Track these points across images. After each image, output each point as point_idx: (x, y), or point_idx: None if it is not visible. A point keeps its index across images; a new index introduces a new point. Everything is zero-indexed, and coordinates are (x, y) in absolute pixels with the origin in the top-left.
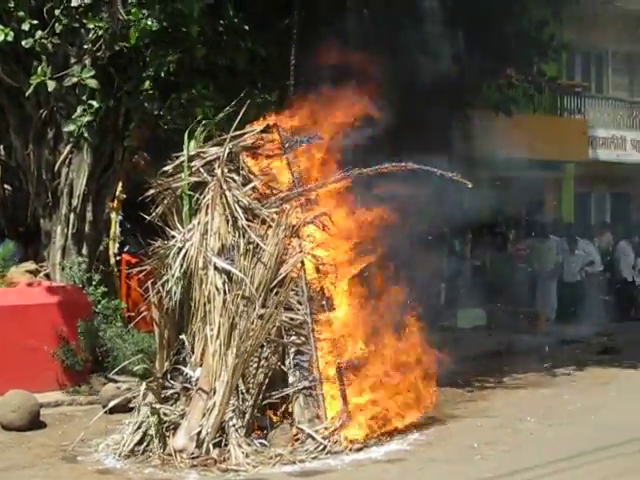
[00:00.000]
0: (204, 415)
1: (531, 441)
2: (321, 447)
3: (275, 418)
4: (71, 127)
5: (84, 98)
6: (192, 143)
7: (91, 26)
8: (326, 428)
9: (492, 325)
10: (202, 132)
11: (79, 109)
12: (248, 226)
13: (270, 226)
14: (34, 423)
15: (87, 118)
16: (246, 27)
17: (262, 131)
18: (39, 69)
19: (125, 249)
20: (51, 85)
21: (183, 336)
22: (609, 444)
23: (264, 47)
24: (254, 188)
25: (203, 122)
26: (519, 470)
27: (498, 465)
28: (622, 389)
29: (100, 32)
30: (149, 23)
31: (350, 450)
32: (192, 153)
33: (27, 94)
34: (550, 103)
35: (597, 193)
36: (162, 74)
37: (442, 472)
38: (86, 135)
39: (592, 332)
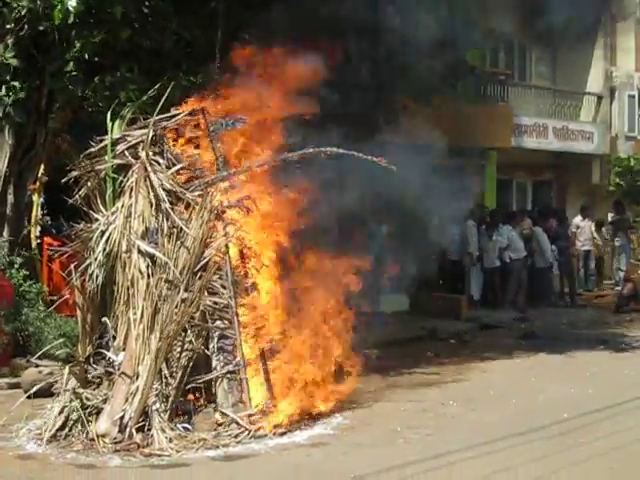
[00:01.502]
0: (127, 399)
1: (454, 425)
2: (245, 432)
3: (199, 402)
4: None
5: (7, 78)
6: (116, 125)
7: (14, 5)
8: (250, 413)
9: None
10: (126, 114)
11: (3, 88)
12: (172, 209)
13: (194, 209)
14: None
15: (12, 98)
16: (171, 9)
17: (187, 114)
18: None
19: (47, 232)
20: None
21: (106, 320)
22: (530, 428)
23: (189, 30)
24: (178, 171)
25: (127, 104)
26: (442, 453)
27: (422, 449)
28: (542, 373)
29: (23, 11)
30: (73, 3)
31: (274, 434)
32: (117, 136)
33: None
34: (473, 90)
35: (518, 180)
36: (86, 55)
37: (366, 456)
38: (13, 114)
39: (513, 317)
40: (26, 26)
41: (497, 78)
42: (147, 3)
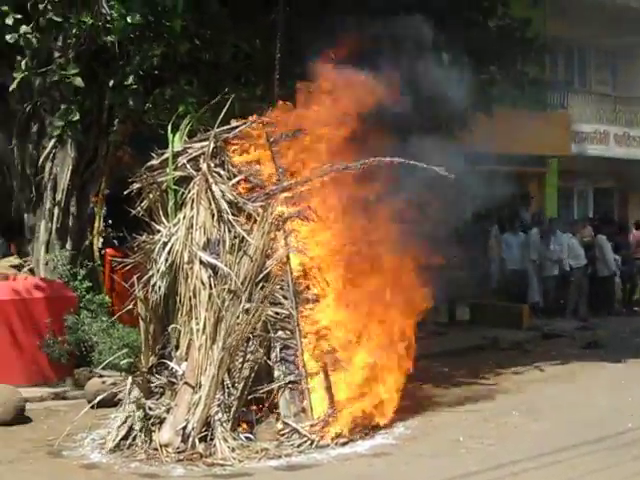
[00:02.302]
0: (190, 409)
1: (516, 435)
2: (307, 441)
3: (261, 412)
4: (57, 129)
5: (68, 94)
6: (177, 138)
7: (75, 21)
8: (312, 423)
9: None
10: (186, 126)
11: (62, 108)
12: (234, 220)
13: (255, 220)
14: (20, 418)
15: (73, 117)
16: (230, 22)
17: (247, 126)
18: (23, 64)
19: (109, 244)
20: (35, 81)
21: (169, 330)
22: (593, 439)
23: (248, 42)
24: (239, 182)
25: (187, 117)
26: (505, 464)
27: (484, 459)
28: (606, 383)
29: (84, 27)
30: (132, 17)
31: (336, 444)
32: (178, 149)
33: (11, 89)
34: (533, 98)
35: (580, 188)
36: (146, 69)
37: (428, 466)
38: (71, 134)
39: (575, 326)
40: (87, 41)
41: (557, 85)
42: (206, 16)
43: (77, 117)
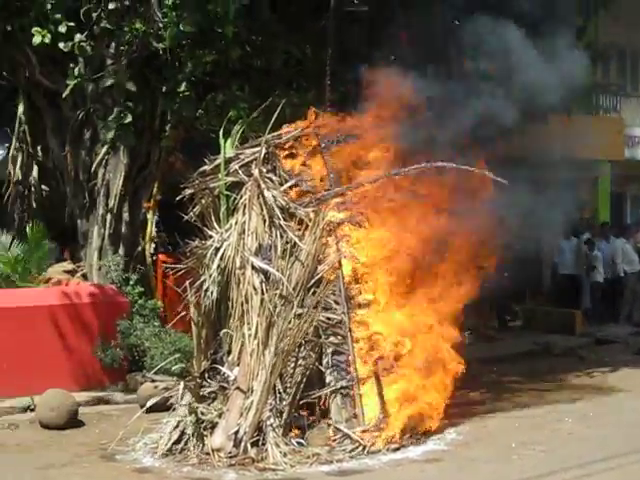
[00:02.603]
0: (242, 414)
1: (569, 441)
2: (358, 447)
3: (312, 418)
4: (110, 134)
5: (121, 100)
6: (228, 143)
7: (127, 28)
8: (363, 429)
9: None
10: (238, 132)
11: (115, 110)
12: (285, 225)
13: (307, 226)
14: (73, 422)
15: (125, 120)
16: (282, 28)
17: (299, 132)
18: (76, 71)
19: (161, 249)
20: (88, 88)
21: (221, 335)
22: None
23: (299, 48)
24: (290, 188)
25: (238, 122)
26: (557, 470)
27: (536, 465)
28: None
29: (136, 34)
30: (184, 25)
31: (387, 450)
32: (230, 155)
33: (64, 96)
34: (586, 102)
35: (633, 193)
36: (198, 75)
37: (480, 472)
38: (123, 137)
39: (628, 332)
40: (139, 48)
41: (609, 89)
42: (257, 22)
43: (130, 119)
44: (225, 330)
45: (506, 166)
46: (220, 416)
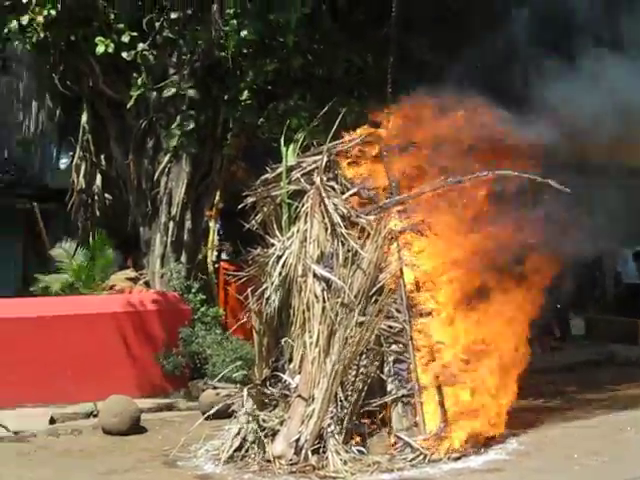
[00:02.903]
0: (303, 422)
1: (632, 451)
2: (419, 455)
3: (373, 426)
4: (173, 141)
5: (183, 108)
6: (290, 151)
7: (189, 37)
8: (424, 437)
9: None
10: (299, 140)
11: (178, 119)
12: (347, 234)
13: (369, 234)
14: (135, 428)
15: (188, 127)
16: (343, 36)
17: (360, 140)
18: (139, 80)
19: (223, 257)
20: (151, 97)
21: (282, 343)
22: None
23: (360, 56)
24: (352, 196)
25: (300, 131)
26: None
27: (597, 475)
28: None
29: (198, 43)
30: (246, 33)
31: (448, 459)
32: (292, 163)
33: (128, 106)
34: None
35: None
36: (259, 84)
37: None
38: (184, 144)
39: None
40: (201, 57)
41: None
42: (318, 31)
43: (192, 126)
44: (286, 338)
45: (568, 172)
46: (281, 423)
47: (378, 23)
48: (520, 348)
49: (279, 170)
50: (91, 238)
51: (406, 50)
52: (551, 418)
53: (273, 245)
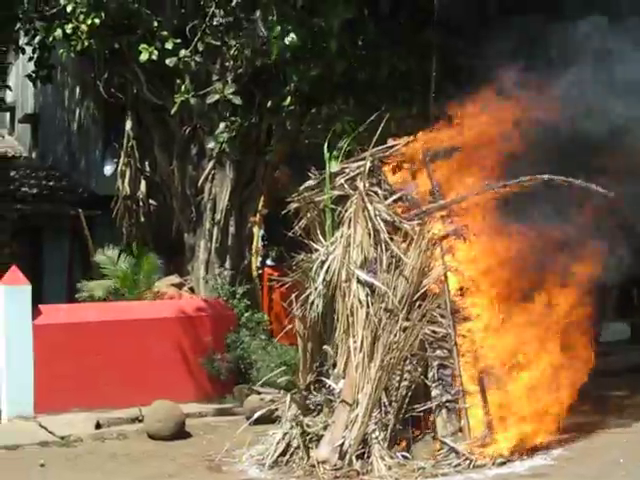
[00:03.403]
0: (347, 427)
1: None
2: (464, 461)
3: (417, 431)
4: (212, 144)
5: (226, 114)
6: (333, 157)
7: (232, 43)
8: (469, 443)
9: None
10: (344, 146)
11: (221, 125)
12: (390, 239)
13: (412, 239)
14: (179, 433)
15: (230, 134)
16: (386, 41)
17: (404, 145)
18: (183, 87)
19: (267, 263)
20: (195, 103)
21: (326, 348)
22: None
23: (403, 60)
24: (396, 201)
25: (343, 136)
26: None
27: None
28: None
29: (242, 49)
30: (289, 39)
31: (494, 464)
32: (335, 170)
33: (172, 113)
34: None
35: None
36: (302, 89)
37: None
38: (227, 150)
39: None
40: (244, 63)
41: None
42: (361, 36)
43: (236, 132)
44: (330, 344)
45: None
46: (325, 428)
47: (421, 28)
48: (567, 353)
49: (323, 176)
50: (135, 244)
51: (449, 55)
52: (597, 423)
53: (317, 250)
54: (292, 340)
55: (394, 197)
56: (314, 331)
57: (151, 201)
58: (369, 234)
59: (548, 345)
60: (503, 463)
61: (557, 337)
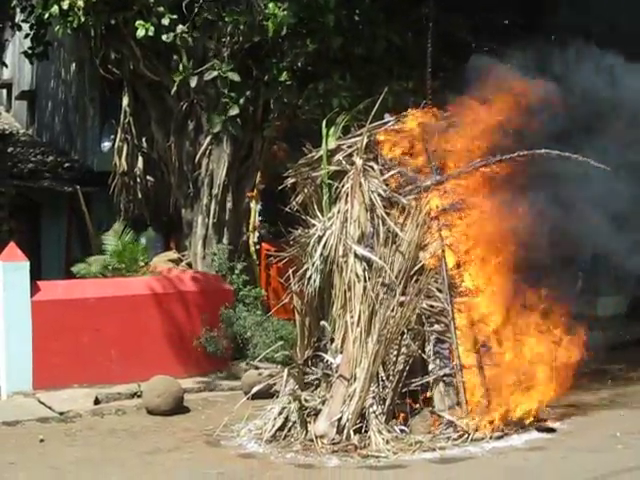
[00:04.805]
0: (345, 401)
1: None
2: (461, 434)
3: (415, 405)
4: (217, 125)
5: (225, 91)
6: (331, 133)
7: (229, 19)
8: (467, 416)
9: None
10: (341, 122)
11: (221, 103)
12: (387, 214)
13: (409, 214)
14: (178, 408)
15: (233, 112)
16: (382, 15)
17: (400, 119)
18: (180, 66)
19: (264, 238)
20: (193, 81)
21: (324, 323)
22: None
23: (399, 35)
24: (393, 176)
25: (341, 111)
26: None
27: None
28: None
29: (238, 25)
30: (286, 14)
31: (491, 438)
32: (332, 147)
33: (172, 93)
34: None
35: None
36: (299, 65)
37: (584, 461)
38: (231, 128)
39: None
40: (241, 39)
41: None
42: (357, 11)
43: (237, 111)
44: (327, 320)
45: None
46: (323, 403)
47: (418, 2)
48: (561, 326)
49: (320, 153)
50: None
51: (446, 30)
52: (594, 397)
53: (314, 226)
54: (289, 315)
55: (391, 173)
56: (311, 306)
57: (148, 177)
58: (366, 209)
59: (544, 318)
60: (500, 437)
61: (552, 311)
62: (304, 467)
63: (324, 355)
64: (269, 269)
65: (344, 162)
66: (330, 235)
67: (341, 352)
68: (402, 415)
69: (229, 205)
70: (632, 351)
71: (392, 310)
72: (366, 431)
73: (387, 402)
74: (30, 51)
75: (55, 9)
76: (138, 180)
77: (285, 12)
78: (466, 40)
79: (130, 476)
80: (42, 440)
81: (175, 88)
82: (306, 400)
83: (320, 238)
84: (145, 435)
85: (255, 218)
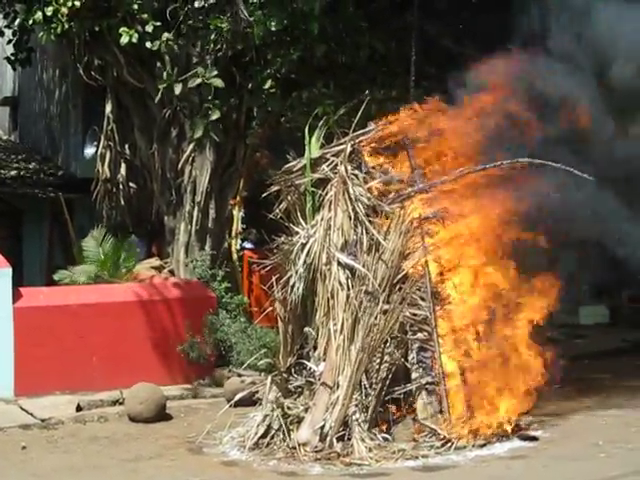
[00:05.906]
0: (327, 409)
1: None
2: (444, 442)
3: (398, 413)
4: (199, 131)
5: (207, 98)
6: (314, 140)
7: (213, 26)
8: (449, 424)
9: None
10: (323, 128)
11: (203, 108)
12: (370, 222)
13: (392, 222)
14: (160, 415)
15: (214, 116)
16: (366, 23)
17: (383, 128)
18: (165, 74)
19: (247, 245)
20: (178, 88)
21: (307, 330)
22: None
23: (383, 43)
24: (376, 184)
25: (324, 119)
26: None
27: (624, 463)
28: None
29: (222, 32)
30: (270, 22)
31: (473, 446)
32: (316, 156)
33: (156, 101)
34: None
35: None
36: (283, 72)
37: (566, 469)
38: (212, 134)
39: None
40: (225, 46)
41: None
42: (342, 18)
43: (217, 115)
44: (310, 327)
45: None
46: (306, 411)
47: (401, 10)
48: (542, 335)
49: (303, 162)
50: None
51: (429, 38)
52: (576, 406)
53: (297, 233)
54: (272, 323)
55: (376, 181)
56: (294, 314)
57: (131, 184)
58: (349, 217)
59: (524, 326)
60: (483, 445)
61: (532, 319)
62: (287, 475)
63: (307, 363)
64: (252, 276)
65: (328, 170)
66: (313, 243)
67: (324, 360)
68: (385, 423)
69: (212, 212)
70: (614, 359)
71: (375, 318)
72: (349, 439)
73: (370, 410)
74: (13, 57)
75: (39, 15)
76: (121, 187)
77: (269, 19)
78: (449, 48)
79: None
80: (24, 447)
81: (159, 95)
82: (289, 408)
83: (303, 246)
84: (127, 442)
85: (238, 225)
